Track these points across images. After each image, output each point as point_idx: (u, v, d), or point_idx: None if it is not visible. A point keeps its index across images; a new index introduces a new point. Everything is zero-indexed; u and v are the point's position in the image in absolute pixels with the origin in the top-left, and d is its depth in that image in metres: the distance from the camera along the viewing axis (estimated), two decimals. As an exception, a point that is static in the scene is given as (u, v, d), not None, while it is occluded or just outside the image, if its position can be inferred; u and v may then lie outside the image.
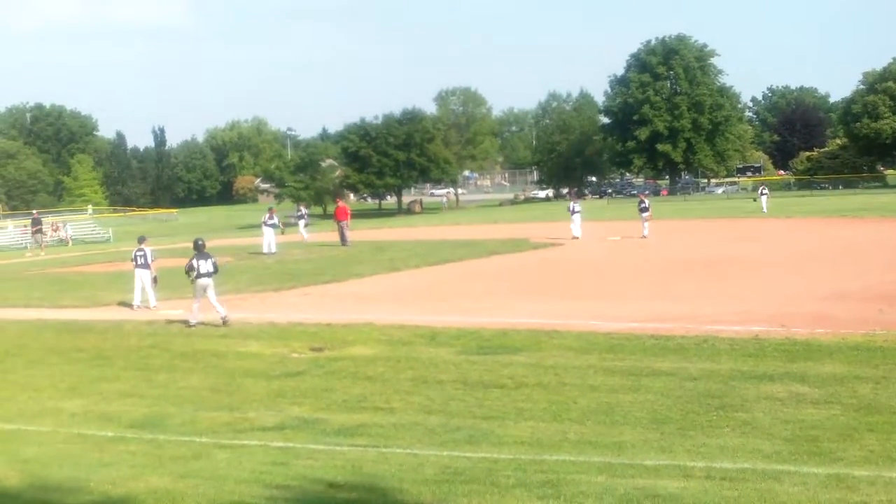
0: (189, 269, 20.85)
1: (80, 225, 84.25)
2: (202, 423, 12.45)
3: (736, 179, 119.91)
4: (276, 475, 9.70)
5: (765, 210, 58.30)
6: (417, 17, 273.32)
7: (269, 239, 40.34)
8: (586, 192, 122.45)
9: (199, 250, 21.04)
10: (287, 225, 53.32)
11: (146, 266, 24.05)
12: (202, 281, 20.65)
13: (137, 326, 21.06)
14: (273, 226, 40.84)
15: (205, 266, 20.73)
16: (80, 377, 16.15)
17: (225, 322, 20.32)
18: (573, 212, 42.89)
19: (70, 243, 69.67)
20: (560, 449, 10.34)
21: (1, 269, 42.31)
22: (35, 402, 14.42)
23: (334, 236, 45.25)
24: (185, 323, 20.79)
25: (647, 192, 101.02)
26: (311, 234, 49.97)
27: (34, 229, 59.28)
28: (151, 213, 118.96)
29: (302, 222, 51.05)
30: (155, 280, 23.99)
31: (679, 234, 44.68)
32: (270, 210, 43.00)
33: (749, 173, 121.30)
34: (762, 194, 62.70)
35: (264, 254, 39.30)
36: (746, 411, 11.51)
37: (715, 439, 10.44)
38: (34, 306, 25.39)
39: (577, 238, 41.37)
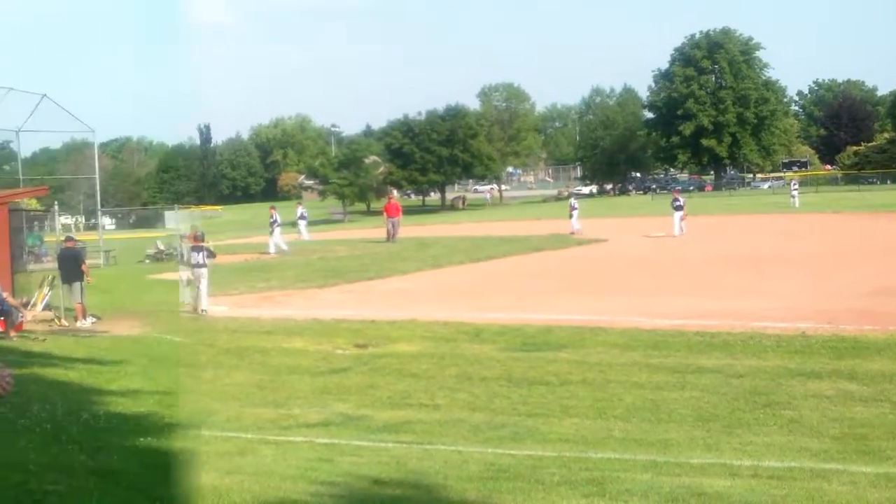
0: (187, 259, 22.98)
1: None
2: (247, 420, 12.53)
3: (782, 174, 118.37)
4: (321, 471, 9.73)
5: (796, 205, 58.08)
6: (460, 13, 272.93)
7: (275, 239, 40.39)
8: (630, 187, 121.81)
9: (195, 242, 22.84)
10: (336, 221, 53.68)
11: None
12: (197, 270, 22.25)
13: (183, 324, 21.27)
14: (276, 223, 40.86)
15: (195, 257, 22.35)
16: (128, 373, 16.33)
17: (203, 313, 22.00)
18: (573, 208, 45.06)
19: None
20: (605, 446, 10.29)
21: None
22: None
23: (379, 233, 45.33)
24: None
25: (691, 187, 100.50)
26: (312, 234, 50.40)
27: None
28: (197, 210, 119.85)
29: (302, 223, 50.52)
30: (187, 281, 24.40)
31: (722, 229, 44.37)
32: (272, 209, 42.63)
33: (795, 168, 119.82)
34: (794, 189, 62.39)
35: (271, 254, 39.13)
36: (794, 409, 11.39)
37: (762, 437, 10.34)
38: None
39: (580, 231, 42.91)
